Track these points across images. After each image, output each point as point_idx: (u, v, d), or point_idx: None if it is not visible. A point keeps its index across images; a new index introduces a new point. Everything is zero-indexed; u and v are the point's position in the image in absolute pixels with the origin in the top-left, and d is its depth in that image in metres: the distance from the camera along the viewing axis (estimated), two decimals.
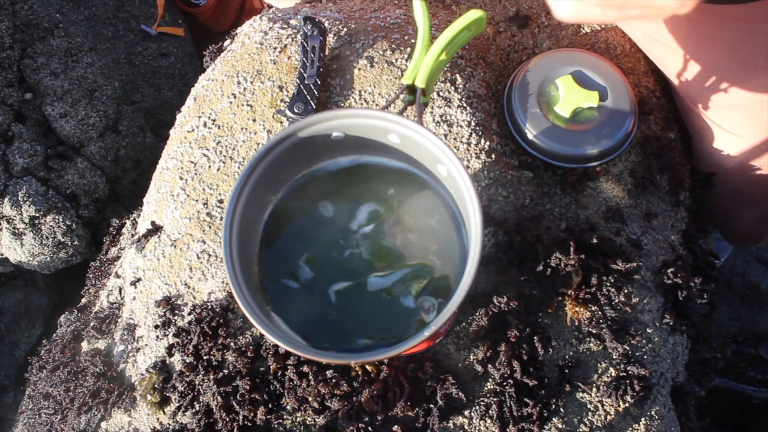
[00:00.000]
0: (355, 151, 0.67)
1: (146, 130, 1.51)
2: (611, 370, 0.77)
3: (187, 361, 0.80)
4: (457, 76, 0.88)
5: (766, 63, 0.78)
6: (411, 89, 0.61)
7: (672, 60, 0.85)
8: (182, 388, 0.80)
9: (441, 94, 0.86)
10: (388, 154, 0.67)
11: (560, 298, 0.79)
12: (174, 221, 0.88)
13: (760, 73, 0.79)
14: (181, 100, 1.01)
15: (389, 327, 0.63)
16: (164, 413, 0.82)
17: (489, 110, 0.88)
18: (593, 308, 0.78)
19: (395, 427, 0.73)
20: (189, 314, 0.83)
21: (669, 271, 0.81)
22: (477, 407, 0.75)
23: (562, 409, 0.75)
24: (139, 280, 0.90)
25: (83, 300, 1.08)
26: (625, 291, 0.78)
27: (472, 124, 0.85)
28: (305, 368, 0.75)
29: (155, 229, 0.90)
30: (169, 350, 0.83)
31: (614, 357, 0.77)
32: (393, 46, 0.90)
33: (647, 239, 0.84)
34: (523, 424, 0.73)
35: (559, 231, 0.82)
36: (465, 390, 0.75)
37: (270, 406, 0.76)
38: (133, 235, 1.01)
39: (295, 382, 0.75)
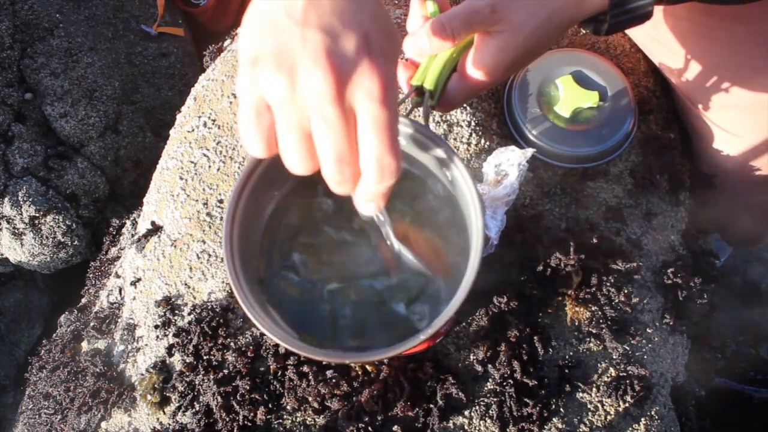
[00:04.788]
0: None
1: (146, 130, 1.52)
2: (611, 370, 0.77)
3: (187, 361, 0.80)
4: None
5: (765, 63, 0.78)
6: (419, 91, 0.60)
7: (672, 60, 0.85)
8: (182, 388, 0.80)
9: None
10: None
11: (560, 298, 0.79)
12: (174, 221, 0.88)
13: (760, 73, 0.79)
14: (181, 100, 1.01)
15: (379, 331, 0.63)
16: (164, 413, 0.82)
17: (489, 110, 0.88)
18: (593, 308, 0.78)
19: (395, 427, 0.73)
20: (189, 314, 0.83)
21: (669, 271, 0.81)
22: (477, 407, 0.75)
23: (562, 409, 0.75)
24: (139, 280, 0.90)
25: (83, 300, 1.08)
26: (625, 291, 0.78)
27: (472, 124, 0.85)
28: (305, 368, 0.75)
29: (155, 229, 0.90)
30: (169, 350, 0.83)
31: (614, 357, 0.77)
32: None
33: (647, 239, 0.84)
34: (523, 424, 0.73)
35: (559, 231, 0.82)
36: (465, 390, 0.75)
37: (270, 406, 0.76)
38: (133, 235, 1.01)
39: (295, 382, 0.75)
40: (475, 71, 0.58)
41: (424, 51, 0.58)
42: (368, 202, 0.46)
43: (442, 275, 0.64)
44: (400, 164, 0.44)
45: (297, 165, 0.45)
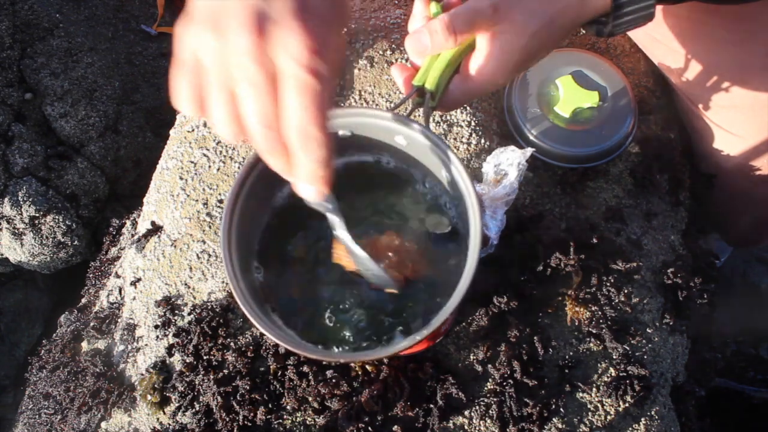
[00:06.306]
0: (360, 150, 0.67)
1: (146, 130, 1.51)
2: (611, 370, 0.77)
3: (187, 361, 0.80)
4: None
5: (766, 63, 0.78)
6: (420, 91, 0.60)
7: (672, 60, 0.85)
8: (182, 388, 0.80)
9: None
10: (394, 154, 0.67)
11: (560, 298, 0.79)
12: (174, 221, 0.88)
13: (760, 73, 0.79)
14: None
15: (378, 331, 0.63)
16: (164, 413, 0.82)
17: (489, 110, 0.88)
18: (593, 308, 0.78)
19: (395, 427, 0.73)
20: (189, 314, 0.83)
21: (669, 271, 0.81)
22: (477, 407, 0.75)
23: (562, 409, 0.75)
24: (139, 280, 0.90)
25: (83, 300, 1.07)
26: (625, 291, 0.78)
27: (472, 124, 0.85)
28: (305, 368, 0.75)
29: (155, 229, 0.90)
30: (169, 350, 0.83)
31: (614, 357, 0.77)
32: (393, 46, 0.90)
33: (647, 239, 0.84)
34: (523, 424, 0.73)
35: (559, 231, 0.82)
36: (465, 390, 0.74)
37: (270, 406, 0.76)
38: (133, 235, 1.01)
39: (295, 382, 0.75)
40: (477, 73, 0.58)
41: (426, 50, 0.58)
42: (308, 184, 0.44)
43: (411, 275, 0.64)
44: (326, 134, 0.42)
45: (223, 128, 0.43)
